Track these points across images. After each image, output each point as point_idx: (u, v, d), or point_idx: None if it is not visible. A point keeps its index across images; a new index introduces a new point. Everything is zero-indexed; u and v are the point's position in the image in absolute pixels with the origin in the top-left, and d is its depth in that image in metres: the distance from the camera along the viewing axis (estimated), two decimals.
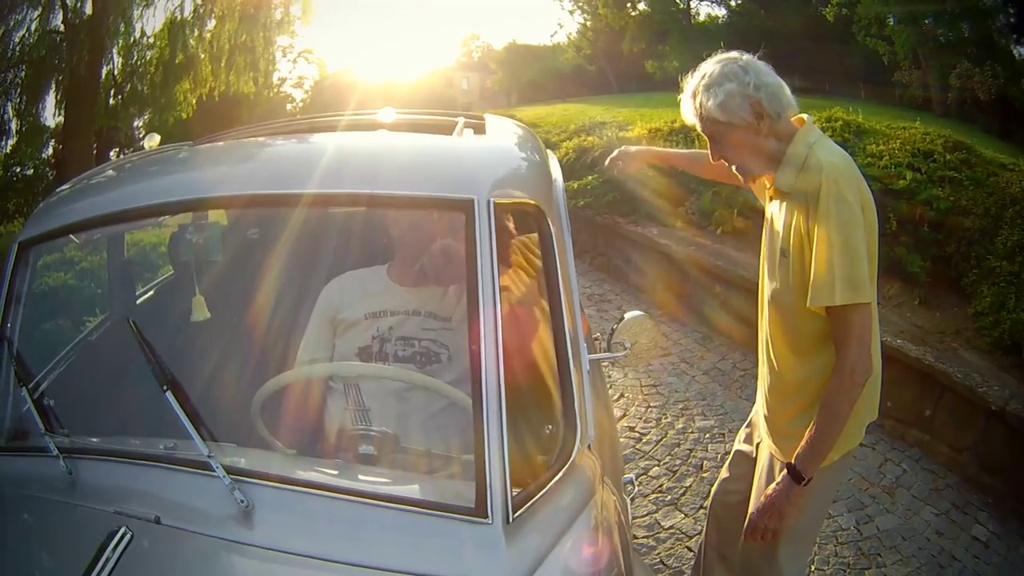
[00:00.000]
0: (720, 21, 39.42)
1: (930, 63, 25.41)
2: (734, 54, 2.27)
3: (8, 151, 18.94)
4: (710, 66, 2.26)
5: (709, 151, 2.36)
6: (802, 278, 2.20)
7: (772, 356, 2.43)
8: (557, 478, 1.72)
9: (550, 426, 1.89)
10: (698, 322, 7.00)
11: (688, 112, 2.34)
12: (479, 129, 2.44)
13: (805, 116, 2.32)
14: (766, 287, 2.42)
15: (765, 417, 2.51)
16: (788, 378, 2.39)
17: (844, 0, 28.28)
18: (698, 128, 2.34)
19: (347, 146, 2.24)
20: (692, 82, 2.30)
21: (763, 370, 2.53)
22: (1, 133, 18.42)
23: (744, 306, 6.13)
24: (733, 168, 2.38)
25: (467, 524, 1.54)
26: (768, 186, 2.36)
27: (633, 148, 3.06)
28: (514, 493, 1.57)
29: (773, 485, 2.30)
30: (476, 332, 1.66)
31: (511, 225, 2.29)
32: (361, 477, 1.82)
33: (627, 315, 2.30)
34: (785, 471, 2.27)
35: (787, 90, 2.26)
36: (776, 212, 2.34)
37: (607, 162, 3.05)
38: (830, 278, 2.10)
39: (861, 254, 2.11)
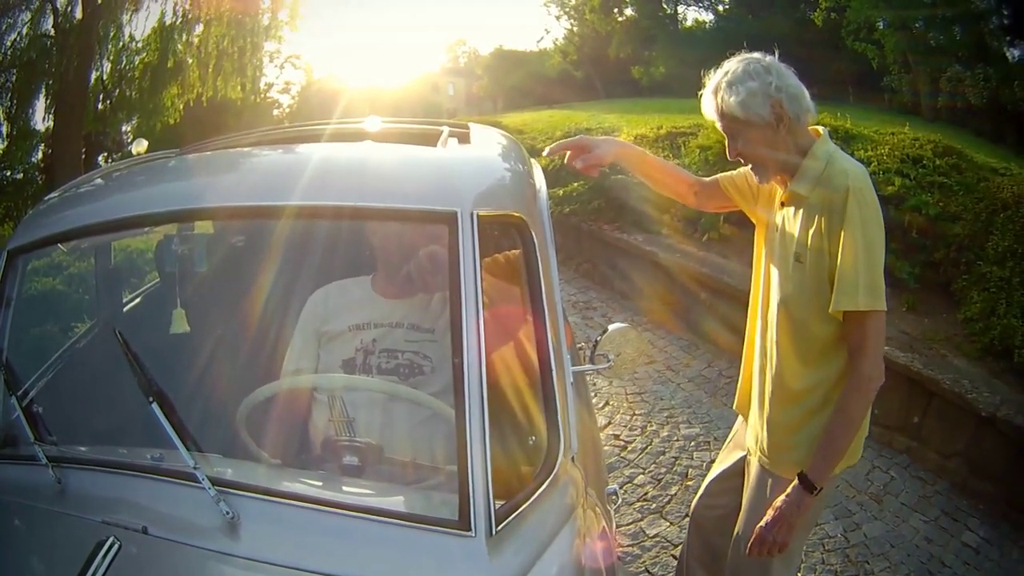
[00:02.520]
0: (707, 26, 39.33)
1: (920, 67, 25.33)
2: (757, 55, 2.29)
3: None
4: (733, 64, 2.28)
5: (727, 148, 2.37)
6: (818, 283, 2.21)
7: (776, 363, 2.39)
8: (540, 490, 1.72)
9: (533, 437, 1.90)
10: (684, 329, 7.02)
11: (709, 108, 2.34)
12: (463, 139, 2.44)
13: (821, 128, 2.36)
14: (774, 293, 2.40)
15: (762, 428, 2.47)
16: (793, 387, 2.36)
17: (833, 4, 28.28)
18: (717, 125, 2.35)
19: (331, 157, 2.24)
20: (714, 79, 2.31)
21: (760, 380, 2.50)
22: None
23: (730, 313, 6.13)
24: (749, 167, 2.41)
25: (450, 537, 1.54)
26: (783, 191, 2.36)
27: (607, 139, 2.85)
28: (497, 505, 1.58)
29: (782, 497, 2.28)
30: (459, 344, 1.66)
31: None
32: (345, 489, 1.83)
33: (611, 327, 2.30)
34: (796, 482, 2.25)
35: (807, 95, 2.28)
36: (789, 218, 2.34)
37: (550, 149, 2.81)
38: (855, 283, 2.12)
39: (881, 262, 2.15)
